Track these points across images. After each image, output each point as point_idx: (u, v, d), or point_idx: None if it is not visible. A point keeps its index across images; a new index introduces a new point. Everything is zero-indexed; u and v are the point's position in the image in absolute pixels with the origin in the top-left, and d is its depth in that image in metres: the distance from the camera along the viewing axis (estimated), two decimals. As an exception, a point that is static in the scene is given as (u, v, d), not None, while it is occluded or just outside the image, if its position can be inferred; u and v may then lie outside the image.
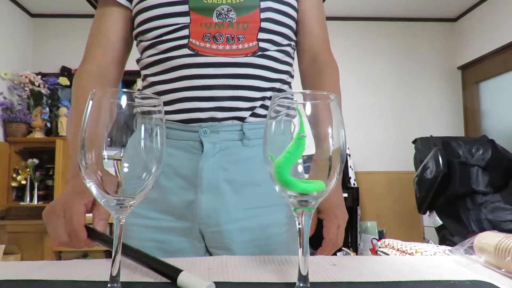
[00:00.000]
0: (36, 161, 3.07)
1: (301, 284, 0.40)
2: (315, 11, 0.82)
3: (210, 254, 0.74)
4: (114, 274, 0.39)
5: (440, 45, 3.79)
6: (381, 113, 3.70)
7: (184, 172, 0.71)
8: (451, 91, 3.76)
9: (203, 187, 0.69)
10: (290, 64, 0.80)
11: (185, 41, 0.70)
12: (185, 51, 0.70)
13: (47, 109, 3.21)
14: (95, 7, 0.82)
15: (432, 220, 2.73)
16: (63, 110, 3.21)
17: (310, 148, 0.39)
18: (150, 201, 0.72)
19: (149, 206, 0.72)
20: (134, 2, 0.75)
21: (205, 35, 0.70)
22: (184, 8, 0.70)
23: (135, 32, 0.77)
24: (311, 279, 0.42)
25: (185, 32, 0.70)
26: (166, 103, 0.72)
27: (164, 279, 0.47)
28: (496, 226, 2.39)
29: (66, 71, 3.44)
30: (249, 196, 0.72)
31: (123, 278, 0.43)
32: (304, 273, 0.40)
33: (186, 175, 0.71)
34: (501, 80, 3.29)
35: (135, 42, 0.81)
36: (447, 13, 3.71)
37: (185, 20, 0.70)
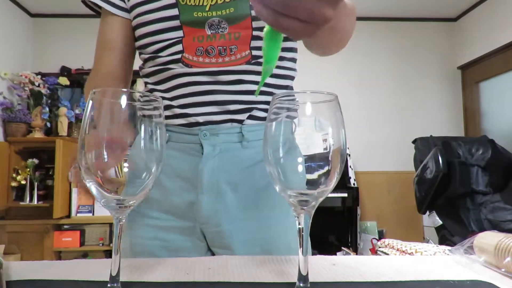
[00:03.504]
0: (36, 161, 3.06)
1: (301, 284, 0.40)
2: None
3: (212, 253, 0.75)
4: (114, 274, 0.39)
5: (440, 45, 3.79)
6: (381, 113, 3.70)
7: (185, 173, 0.72)
8: (451, 91, 3.77)
9: (204, 188, 0.70)
10: (288, 68, 0.79)
11: (178, 56, 0.72)
12: (180, 65, 0.72)
13: (47, 109, 3.21)
14: (92, 9, 0.84)
15: (432, 220, 2.73)
16: (63, 110, 3.20)
17: (311, 148, 0.39)
18: (153, 201, 0.74)
19: (152, 206, 0.74)
20: (131, 16, 0.76)
21: (198, 49, 0.71)
22: (175, 23, 0.71)
23: (136, 44, 0.79)
24: (311, 279, 0.42)
25: (178, 47, 0.72)
26: (166, 108, 0.73)
27: (164, 279, 0.47)
28: (496, 226, 2.39)
29: (66, 71, 3.44)
30: (249, 196, 0.72)
31: (123, 278, 0.43)
32: (304, 273, 0.40)
33: (187, 177, 0.71)
34: (501, 80, 3.29)
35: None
36: (447, 13, 3.71)
37: (178, 34, 0.71)
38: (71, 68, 3.45)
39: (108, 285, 0.39)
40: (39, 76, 3.23)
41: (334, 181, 0.39)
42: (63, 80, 3.27)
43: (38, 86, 3.19)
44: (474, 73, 3.61)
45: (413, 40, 3.77)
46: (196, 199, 0.71)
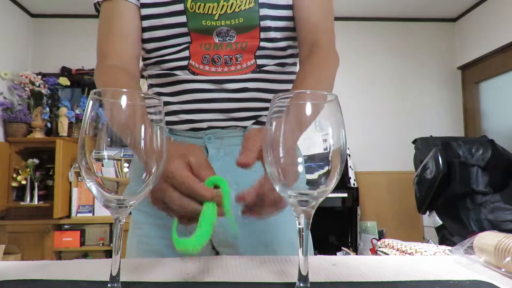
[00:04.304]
0: (36, 161, 3.06)
1: (301, 284, 0.40)
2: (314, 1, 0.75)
3: (217, 252, 0.76)
4: (114, 274, 0.39)
5: (440, 45, 3.79)
6: (381, 113, 3.70)
7: None
8: (451, 91, 3.76)
9: None
10: (291, 73, 0.80)
11: (185, 63, 0.72)
12: (186, 72, 0.72)
13: (47, 109, 3.21)
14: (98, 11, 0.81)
15: (432, 220, 2.73)
16: (63, 110, 3.20)
17: (311, 148, 0.39)
18: None
19: None
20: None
21: (204, 57, 0.71)
22: (183, 30, 0.71)
23: (142, 45, 0.77)
24: (311, 279, 0.42)
25: (185, 53, 0.72)
26: (171, 113, 0.74)
27: (164, 279, 0.47)
28: (496, 226, 2.39)
29: (66, 71, 3.44)
30: None
31: (123, 278, 0.43)
32: (304, 273, 0.40)
33: None
34: (501, 80, 3.29)
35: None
36: (447, 13, 3.70)
37: (186, 39, 0.72)
38: (71, 68, 3.45)
39: (108, 285, 0.39)
40: (40, 76, 3.23)
41: (334, 181, 0.39)
42: (63, 80, 3.27)
43: (39, 86, 3.19)
44: (474, 73, 3.60)
45: (413, 40, 3.77)
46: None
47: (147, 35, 0.73)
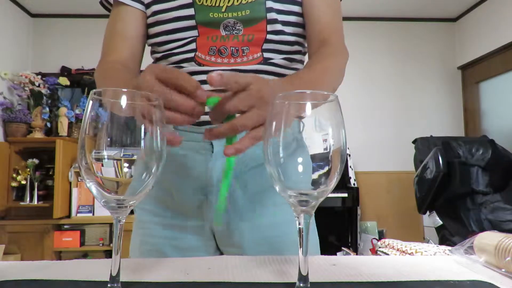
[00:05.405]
0: (36, 161, 3.06)
1: (301, 284, 0.40)
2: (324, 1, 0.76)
3: (221, 252, 0.76)
4: (114, 274, 0.39)
5: (440, 45, 3.79)
6: (381, 113, 3.69)
7: (195, 172, 0.72)
8: (451, 91, 3.76)
9: (213, 187, 0.71)
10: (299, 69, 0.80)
11: (192, 55, 0.72)
12: (192, 64, 0.73)
13: (47, 109, 3.21)
14: (108, 10, 0.83)
15: (432, 220, 2.73)
16: (63, 110, 3.20)
17: (311, 148, 0.39)
18: (162, 200, 0.74)
19: (162, 205, 0.75)
20: (148, 13, 0.76)
21: (211, 49, 0.72)
22: (191, 22, 0.72)
23: (149, 41, 0.79)
24: (311, 279, 0.42)
25: (192, 46, 0.73)
26: None
27: (164, 279, 0.47)
28: (496, 226, 2.39)
29: (66, 71, 3.44)
30: (257, 195, 0.73)
31: (123, 278, 0.43)
32: (304, 273, 0.40)
33: (197, 176, 0.72)
34: (501, 80, 3.29)
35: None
36: (447, 13, 3.70)
37: (193, 33, 0.72)
38: (71, 68, 3.45)
39: (108, 285, 0.39)
40: (39, 76, 3.23)
41: (334, 181, 0.39)
42: (63, 80, 3.27)
43: (38, 86, 3.19)
44: (474, 73, 3.61)
45: (413, 40, 3.77)
46: (206, 198, 0.71)
47: (156, 29, 0.74)
